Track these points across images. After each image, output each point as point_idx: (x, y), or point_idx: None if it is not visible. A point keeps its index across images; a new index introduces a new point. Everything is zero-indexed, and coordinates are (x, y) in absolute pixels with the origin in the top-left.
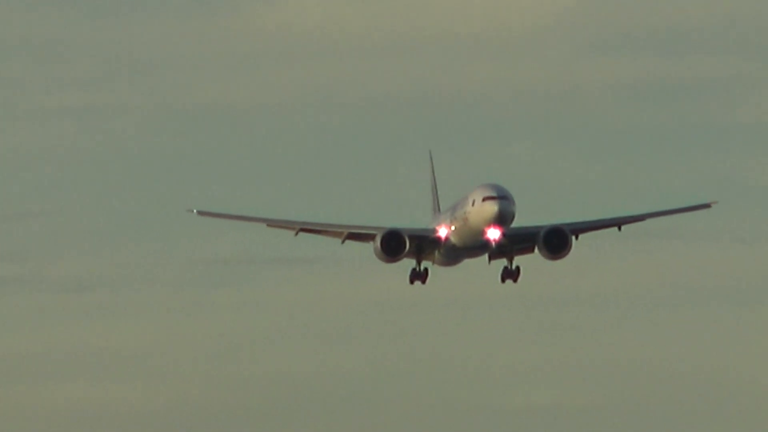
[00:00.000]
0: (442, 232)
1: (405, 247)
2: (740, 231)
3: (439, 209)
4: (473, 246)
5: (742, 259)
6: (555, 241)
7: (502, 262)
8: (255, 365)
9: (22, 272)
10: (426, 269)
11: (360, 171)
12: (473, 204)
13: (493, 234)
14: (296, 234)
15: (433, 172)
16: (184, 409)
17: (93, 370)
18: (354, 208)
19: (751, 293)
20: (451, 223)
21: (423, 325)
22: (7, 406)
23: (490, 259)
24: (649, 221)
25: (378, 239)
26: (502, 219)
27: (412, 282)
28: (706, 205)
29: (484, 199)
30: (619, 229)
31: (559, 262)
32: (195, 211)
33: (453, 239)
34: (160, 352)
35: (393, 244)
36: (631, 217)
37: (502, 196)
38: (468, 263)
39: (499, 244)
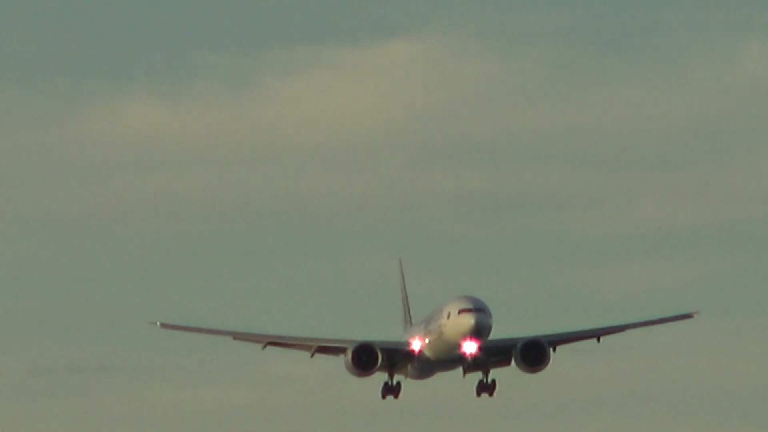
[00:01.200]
0: (416, 345)
1: (377, 361)
2: None
3: (410, 320)
4: (448, 359)
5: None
6: (533, 354)
7: (477, 375)
8: None
9: None
10: (399, 383)
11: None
12: (449, 316)
13: (470, 347)
14: (264, 348)
15: (403, 281)
16: None
17: None
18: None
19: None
20: (425, 335)
21: None
22: None
23: (464, 372)
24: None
25: (349, 353)
26: (478, 332)
27: (384, 396)
28: (689, 315)
29: (460, 312)
30: (598, 340)
31: (537, 375)
32: (158, 323)
33: (427, 352)
34: None
35: (365, 359)
36: (611, 327)
37: (479, 309)
38: (442, 375)
39: (475, 358)
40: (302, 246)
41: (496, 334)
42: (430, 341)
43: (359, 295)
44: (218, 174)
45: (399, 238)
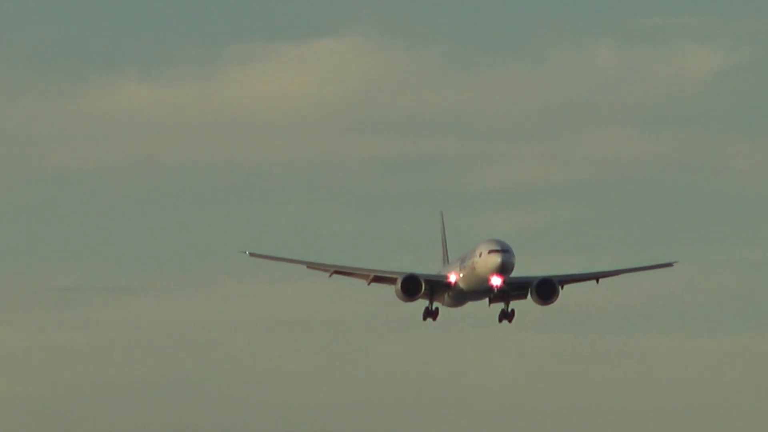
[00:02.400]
0: (452, 277)
1: (421, 289)
2: None
3: (447, 260)
4: (478, 290)
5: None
6: (545, 290)
7: (500, 306)
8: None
9: None
10: (437, 308)
11: None
12: (480, 255)
13: (496, 281)
14: (330, 275)
15: (444, 229)
16: None
17: None
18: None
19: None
20: (460, 270)
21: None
22: None
23: (490, 302)
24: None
25: (399, 282)
26: (504, 269)
27: (425, 318)
28: (669, 264)
29: (489, 252)
30: (597, 281)
31: (548, 307)
32: (248, 252)
33: (461, 284)
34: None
35: (411, 287)
36: (606, 272)
37: (505, 250)
38: (471, 304)
39: (500, 290)
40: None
41: (515, 272)
42: (464, 275)
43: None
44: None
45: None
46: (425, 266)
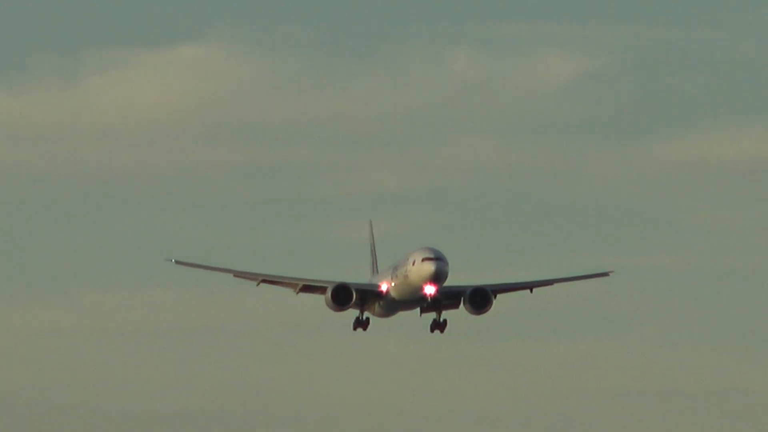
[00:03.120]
0: (384, 287)
1: (352, 298)
2: None
3: (377, 269)
4: (410, 300)
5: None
6: (479, 300)
7: (431, 315)
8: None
9: None
10: (368, 318)
11: None
12: (413, 264)
13: (430, 290)
14: (258, 284)
15: (372, 238)
16: None
17: None
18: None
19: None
20: (392, 279)
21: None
22: None
23: (421, 312)
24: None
25: (329, 291)
26: (438, 277)
27: (355, 329)
28: (605, 274)
29: (423, 260)
30: (531, 291)
31: (480, 317)
32: (173, 260)
33: (393, 293)
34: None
35: (342, 296)
36: (542, 281)
37: (439, 258)
38: (402, 314)
39: (432, 299)
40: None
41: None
42: (396, 284)
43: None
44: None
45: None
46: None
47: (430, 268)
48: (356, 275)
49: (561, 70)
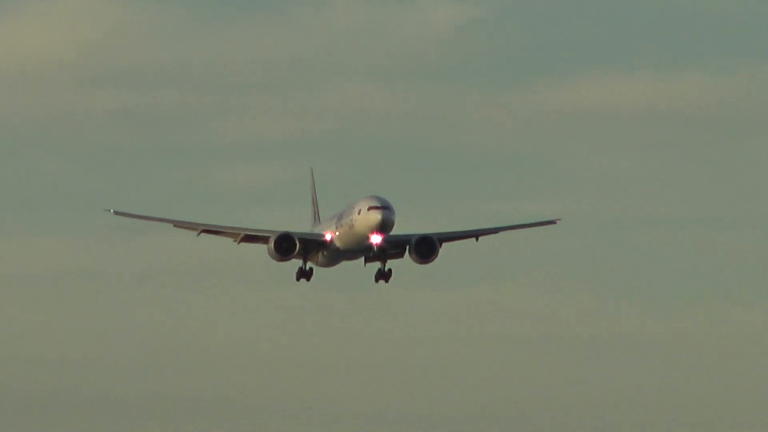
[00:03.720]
0: (328, 236)
1: (295, 248)
2: None
3: (319, 218)
4: (355, 249)
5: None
6: (424, 249)
7: (376, 265)
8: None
9: None
10: (311, 269)
11: None
12: (359, 212)
13: (376, 239)
14: (198, 234)
15: (313, 186)
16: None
17: None
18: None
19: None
20: (336, 229)
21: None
22: None
23: (366, 261)
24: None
25: (272, 241)
26: (384, 226)
27: (298, 279)
28: (552, 222)
29: (369, 209)
30: (477, 239)
31: (425, 266)
32: (112, 210)
33: (337, 243)
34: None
35: (285, 246)
36: (487, 229)
37: (386, 207)
38: (345, 264)
39: (378, 249)
40: None
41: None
42: (340, 233)
43: None
44: None
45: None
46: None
47: (376, 216)
48: (250, 219)
49: (445, 16)
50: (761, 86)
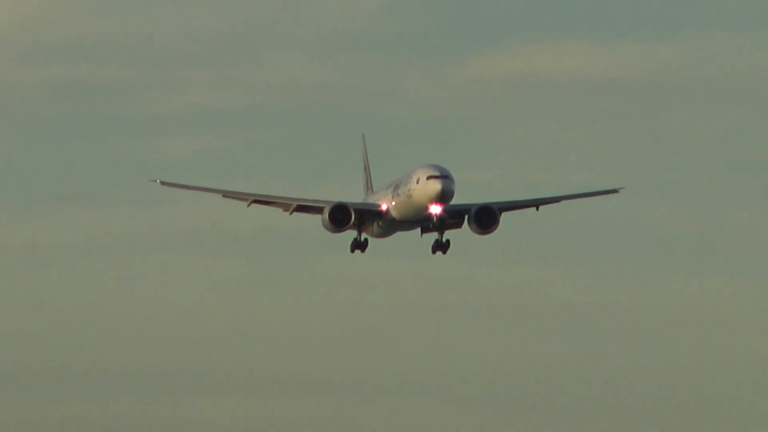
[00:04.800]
0: (384, 206)
1: (351, 219)
2: None
3: (372, 187)
4: (412, 220)
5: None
6: (485, 218)
7: (433, 235)
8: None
9: None
10: (366, 239)
11: None
12: (418, 182)
13: (435, 210)
14: (249, 205)
15: (366, 154)
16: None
17: None
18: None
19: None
20: (393, 198)
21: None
22: None
23: (422, 232)
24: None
25: (326, 212)
26: (444, 197)
27: (353, 250)
28: (615, 191)
29: (428, 178)
30: (537, 209)
31: (485, 237)
32: (158, 181)
33: (393, 213)
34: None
35: (339, 216)
36: (548, 198)
37: (445, 176)
38: (401, 235)
39: (437, 219)
40: None
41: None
42: (396, 203)
43: None
44: None
45: None
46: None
47: (436, 186)
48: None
49: None
50: (695, 55)
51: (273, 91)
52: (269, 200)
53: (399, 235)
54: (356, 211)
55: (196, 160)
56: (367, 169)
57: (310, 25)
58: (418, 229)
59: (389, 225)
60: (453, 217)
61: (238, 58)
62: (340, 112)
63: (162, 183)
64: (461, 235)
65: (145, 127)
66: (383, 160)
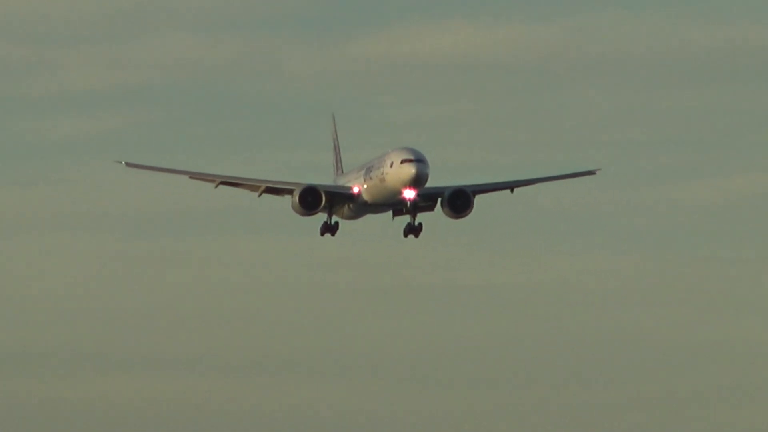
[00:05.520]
0: (356, 189)
1: (321, 202)
2: None
3: (341, 169)
4: (384, 203)
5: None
6: (459, 202)
7: (405, 219)
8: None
9: None
10: (337, 223)
11: None
12: (392, 165)
13: (409, 194)
14: (216, 186)
15: (335, 134)
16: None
17: None
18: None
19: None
20: (365, 181)
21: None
22: None
23: (393, 215)
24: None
25: (296, 194)
26: (418, 181)
27: (323, 234)
28: (592, 172)
29: (402, 162)
30: (512, 191)
31: (459, 220)
32: (123, 162)
33: (365, 196)
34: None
35: (310, 199)
36: (523, 180)
37: (420, 159)
38: (372, 217)
39: (411, 203)
40: None
41: None
42: (368, 186)
43: None
44: None
45: None
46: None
47: (410, 170)
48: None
49: None
50: (576, 36)
51: (157, 69)
52: (237, 182)
53: (369, 218)
54: (327, 194)
55: (82, 140)
56: (336, 148)
57: (193, 3)
58: (389, 212)
59: (360, 208)
60: (425, 200)
61: (120, 37)
62: (224, 90)
63: (127, 164)
64: (433, 218)
65: (30, 107)
66: (255, 138)
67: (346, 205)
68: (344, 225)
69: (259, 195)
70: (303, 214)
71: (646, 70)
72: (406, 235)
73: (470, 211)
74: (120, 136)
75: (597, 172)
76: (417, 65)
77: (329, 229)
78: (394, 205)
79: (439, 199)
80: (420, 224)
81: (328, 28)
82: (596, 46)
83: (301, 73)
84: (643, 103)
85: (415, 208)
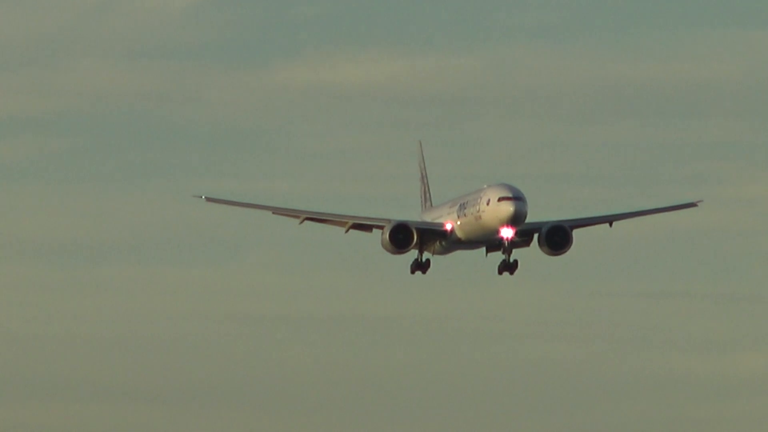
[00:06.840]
0: (448, 225)
1: (413, 239)
2: None
3: (430, 202)
4: (478, 240)
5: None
6: (556, 239)
7: (498, 255)
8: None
9: None
10: (428, 260)
11: None
12: (488, 203)
13: (507, 233)
14: (301, 222)
15: (423, 163)
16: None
17: None
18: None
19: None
20: (459, 218)
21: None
22: None
23: (487, 251)
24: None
25: (387, 232)
26: (517, 219)
27: (413, 272)
28: (693, 204)
29: (500, 200)
30: (611, 225)
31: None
32: (204, 197)
33: (459, 233)
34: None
35: (401, 237)
36: (623, 214)
37: (518, 197)
38: (464, 254)
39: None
40: None
41: None
42: (462, 223)
43: None
44: None
45: None
46: None
47: (508, 209)
48: None
49: None
50: (495, 67)
51: (77, 96)
52: (322, 218)
53: (460, 254)
54: (418, 231)
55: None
56: (424, 179)
57: (112, 31)
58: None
59: (453, 245)
60: (521, 236)
61: (40, 63)
62: (143, 117)
63: (207, 199)
64: (529, 253)
65: None
66: (179, 166)
67: (438, 242)
68: (435, 262)
69: (346, 231)
70: (393, 252)
71: (565, 103)
72: (500, 272)
73: (569, 248)
74: (40, 162)
75: (698, 204)
76: (335, 94)
77: (420, 266)
78: (490, 242)
79: (536, 235)
80: (516, 261)
81: (249, 56)
82: (512, 78)
83: (220, 99)
84: (560, 136)
85: (512, 245)
